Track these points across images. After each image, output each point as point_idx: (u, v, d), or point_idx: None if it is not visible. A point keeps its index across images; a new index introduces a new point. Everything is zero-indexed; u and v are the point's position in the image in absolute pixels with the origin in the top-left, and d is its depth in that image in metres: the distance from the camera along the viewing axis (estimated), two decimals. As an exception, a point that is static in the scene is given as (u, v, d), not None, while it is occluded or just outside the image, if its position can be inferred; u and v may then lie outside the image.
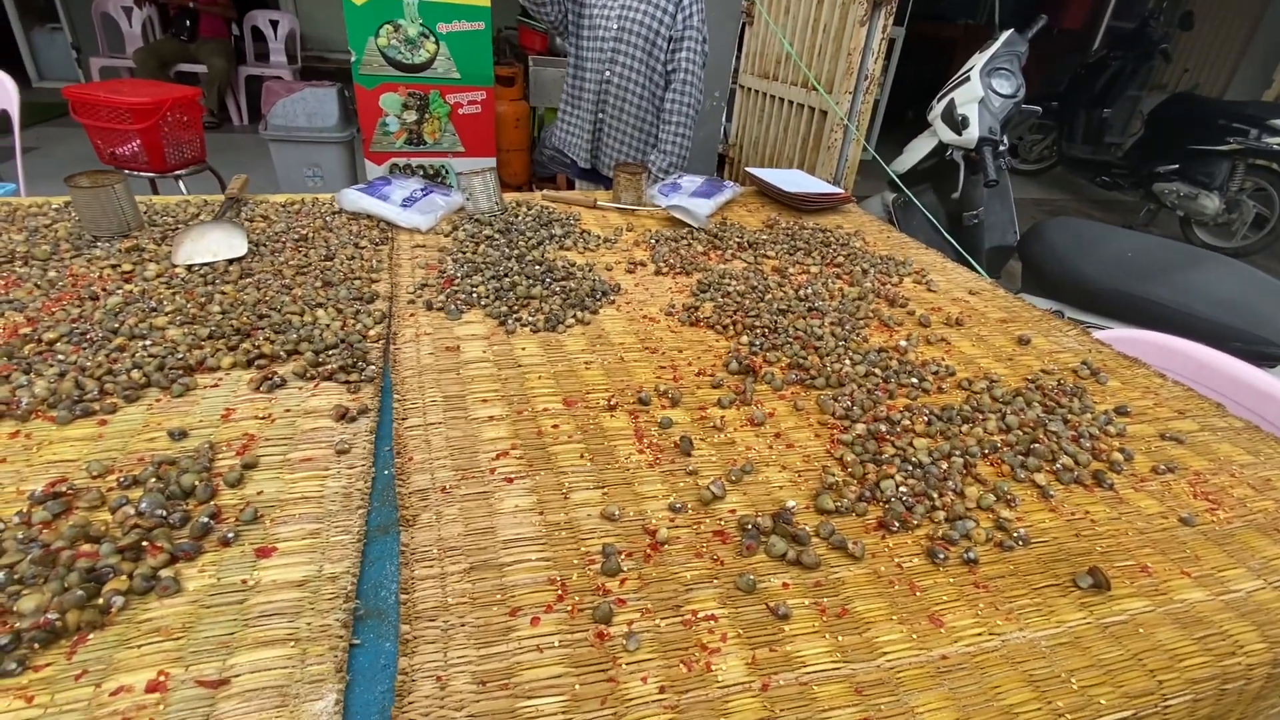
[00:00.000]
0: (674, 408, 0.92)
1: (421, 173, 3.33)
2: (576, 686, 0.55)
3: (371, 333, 1.02)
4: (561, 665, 0.56)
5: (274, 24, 5.73)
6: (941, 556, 0.70)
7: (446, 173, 3.37)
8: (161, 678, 0.52)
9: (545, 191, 1.76)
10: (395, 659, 0.57)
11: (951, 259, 1.58)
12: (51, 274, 1.09)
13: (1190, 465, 0.90)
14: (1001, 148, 2.50)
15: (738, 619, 0.62)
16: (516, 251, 1.34)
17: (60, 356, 0.88)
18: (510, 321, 1.09)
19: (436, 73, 3.09)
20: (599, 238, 1.48)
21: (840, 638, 0.61)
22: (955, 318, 1.24)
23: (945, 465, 0.84)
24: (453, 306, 1.11)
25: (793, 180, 1.84)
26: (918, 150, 2.78)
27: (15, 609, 0.55)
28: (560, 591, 0.63)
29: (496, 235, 1.41)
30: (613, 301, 1.21)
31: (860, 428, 0.89)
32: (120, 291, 1.05)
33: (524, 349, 1.03)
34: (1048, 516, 0.79)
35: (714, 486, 0.76)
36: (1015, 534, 0.74)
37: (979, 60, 2.56)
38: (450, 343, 1.03)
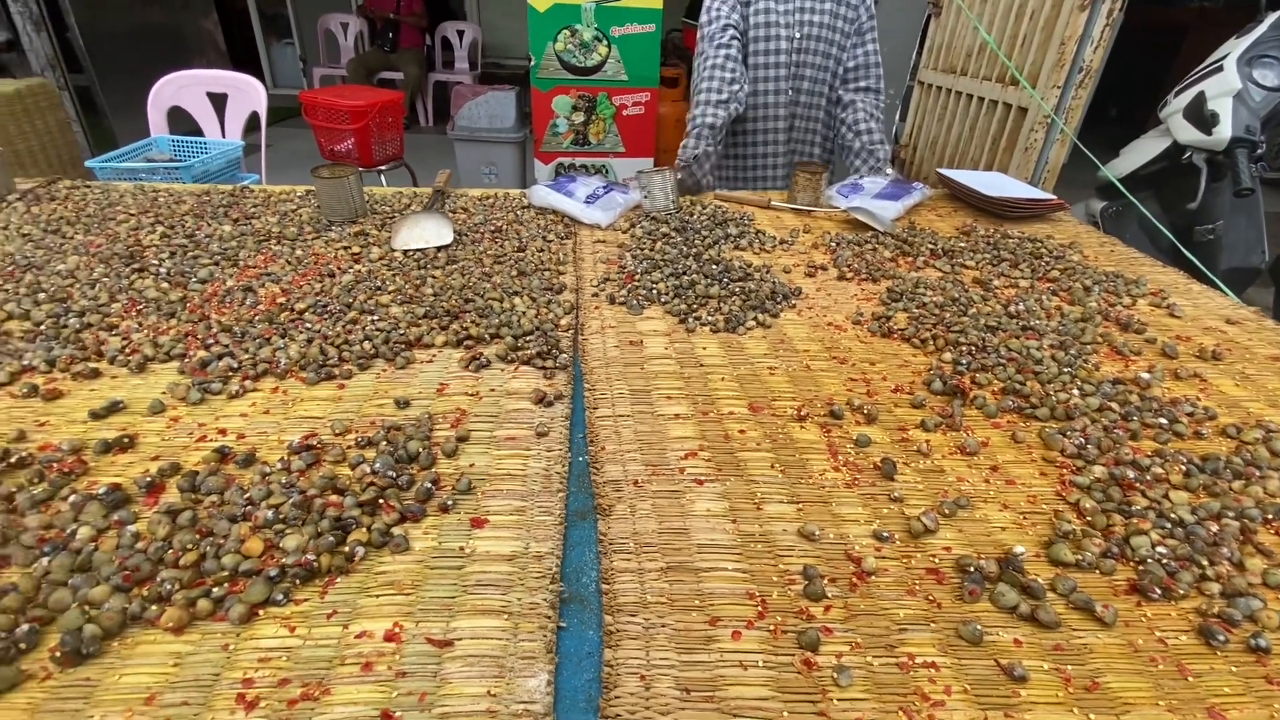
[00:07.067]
0: (870, 425, 0.85)
1: (585, 172, 3.47)
2: (785, 715, 0.51)
3: (562, 322, 1.05)
4: (767, 688, 0.53)
5: (460, 34, 6.29)
6: (1221, 639, 0.58)
7: (608, 172, 3.48)
8: (397, 629, 0.57)
9: (718, 191, 1.74)
10: (599, 648, 0.57)
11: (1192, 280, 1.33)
12: (299, 252, 1.26)
13: None
14: (1259, 150, 2.08)
15: (962, 672, 0.55)
16: (694, 250, 1.33)
17: (308, 325, 1.01)
18: (690, 320, 1.08)
19: (606, 75, 3.20)
20: (774, 239, 1.43)
21: (1091, 716, 0.52)
22: (1211, 350, 1.04)
23: (1215, 528, 0.70)
24: (634, 301, 1.13)
25: (993, 183, 1.66)
26: (1142, 152, 2.39)
27: (280, 545, 0.63)
28: (760, 608, 0.60)
29: (673, 233, 1.42)
30: (793, 305, 1.16)
31: (1098, 470, 0.77)
32: (352, 271, 1.19)
33: (705, 349, 1.01)
34: (1371, 611, 0.62)
35: (925, 518, 0.68)
36: (1325, 627, 0.60)
37: (1236, 47, 2.14)
38: (633, 336, 1.04)
